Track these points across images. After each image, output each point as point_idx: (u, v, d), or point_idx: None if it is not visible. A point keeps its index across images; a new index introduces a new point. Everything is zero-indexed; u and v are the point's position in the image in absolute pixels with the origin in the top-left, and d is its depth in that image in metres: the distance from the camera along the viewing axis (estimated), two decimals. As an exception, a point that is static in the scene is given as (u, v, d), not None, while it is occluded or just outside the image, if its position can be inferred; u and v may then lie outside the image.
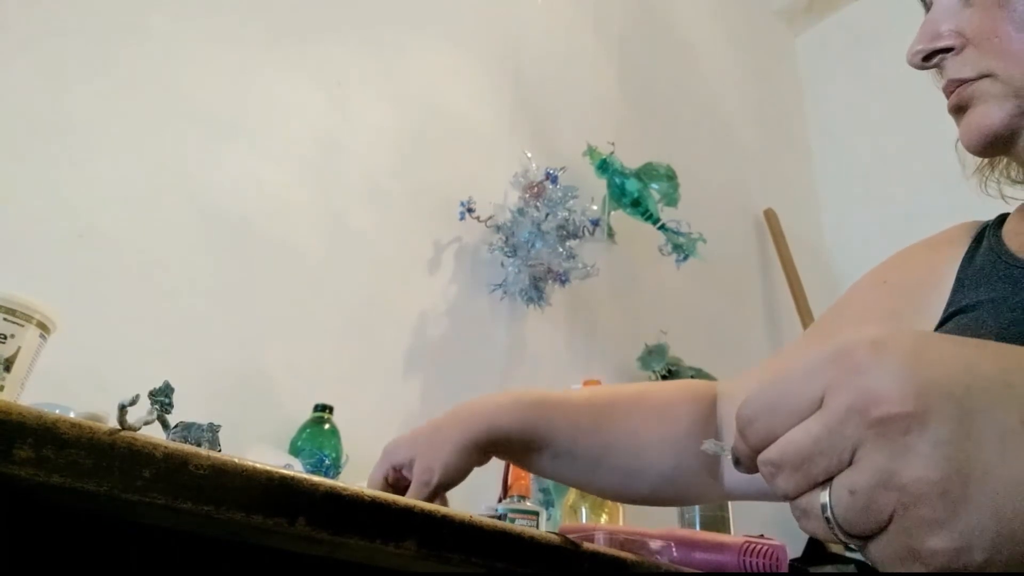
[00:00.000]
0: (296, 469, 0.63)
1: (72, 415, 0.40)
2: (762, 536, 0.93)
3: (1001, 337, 0.45)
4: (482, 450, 0.67)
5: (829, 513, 0.28)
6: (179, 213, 1.21)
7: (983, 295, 0.52)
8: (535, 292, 1.54)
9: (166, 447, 0.37)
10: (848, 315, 0.65)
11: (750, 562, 0.89)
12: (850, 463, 0.28)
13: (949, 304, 0.56)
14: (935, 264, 0.60)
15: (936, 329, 0.55)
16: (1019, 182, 0.61)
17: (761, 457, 0.31)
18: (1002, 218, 0.60)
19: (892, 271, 0.64)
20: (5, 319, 0.70)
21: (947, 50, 0.55)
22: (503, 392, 0.73)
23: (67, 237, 1.09)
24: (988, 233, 0.58)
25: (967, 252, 0.58)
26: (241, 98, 1.34)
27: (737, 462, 0.34)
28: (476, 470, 0.71)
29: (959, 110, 0.56)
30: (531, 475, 1.33)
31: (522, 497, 1.16)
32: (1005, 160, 0.61)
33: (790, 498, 0.30)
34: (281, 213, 1.32)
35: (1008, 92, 0.52)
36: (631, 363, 1.73)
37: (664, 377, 1.67)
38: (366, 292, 1.39)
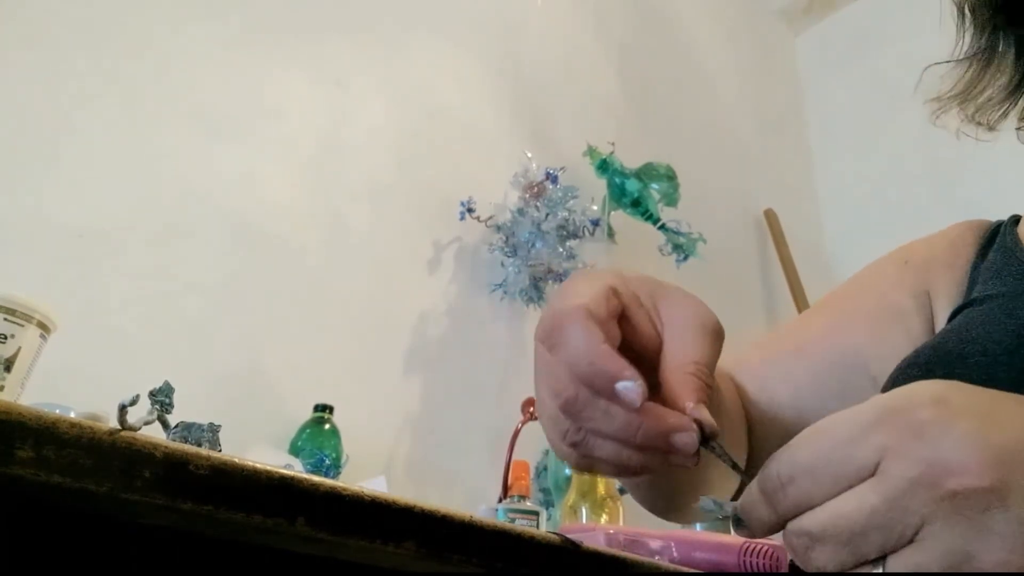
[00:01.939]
0: (296, 469, 0.63)
1: (72, 415, 0.41)
2: (762, 536, 0.93)
3: (1016, 335, 0.43)
4: None
5: None
6: (179, 213, 1.21)
7: (992, 289, 0.50)
8: (535, 292, 1.54)
9: (166, 447, 0.37)
10: (870, 293, 0.59)
11: (750, 562, 0.89)
12: (911, 540, 0.25)
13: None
14: (954, 251, 0.57)
15: (947, 323, 0.53)
16: (983, 125, 0.58)
17: (794, 526, 0.27)
18: (1017, 218, 0.59)
19: (912, 253, 0.60)
20: (5, 319, 0.70)
21: None
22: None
23: (67, 237, 1.09)
24: (1004, 231, 0.56)
25: (979, 248, 0.57)
26: (241, 98, 1.34)
27: (738, 523, 0.30)
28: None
29: None
30: (531, 475, 1.33)
31: (522, 497, 1.16)
32: (984, 98, 0.57)
33: (827, 572, 0.27)
34: (281, 213, 1.32)
35: None
36: (631, 363, 1.73)
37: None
38: (366, 292, 1.39)
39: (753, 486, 0.29)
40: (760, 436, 0.55)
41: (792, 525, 0.28)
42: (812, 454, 0.27)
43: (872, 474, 0.26)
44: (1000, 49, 0.56)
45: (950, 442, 0.25)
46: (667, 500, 0.51)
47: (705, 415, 0.33)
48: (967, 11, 0.57)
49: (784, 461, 0.28)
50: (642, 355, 0.37)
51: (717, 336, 0.37)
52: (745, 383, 0.57)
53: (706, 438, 0.32)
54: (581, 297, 0.35)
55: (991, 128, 0.59)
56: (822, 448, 0.27)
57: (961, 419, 0.25)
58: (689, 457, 0.32)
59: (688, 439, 0.32)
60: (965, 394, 0.26)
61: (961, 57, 0.57)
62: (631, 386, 0.32)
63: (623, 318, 0.37)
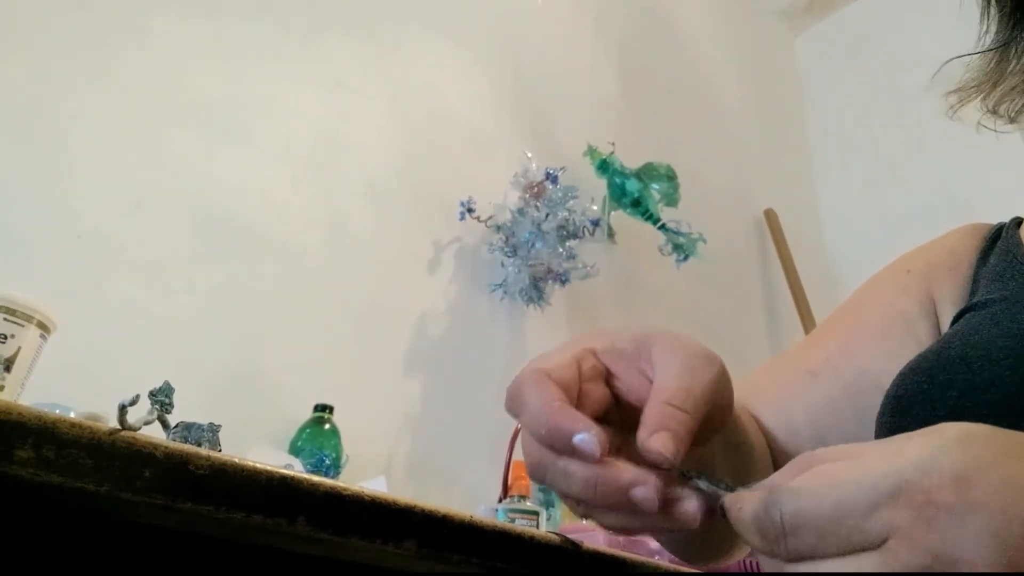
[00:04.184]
0: (296, 469, 0.63)
1: (72, 415, 0.41)
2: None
3: (1020, 337, 0.42)
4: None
5: None
6: (179, 213, 1.21)
7: (994, 293, 0.50)
8: (535, 292, 1.54)
9: (166, 447, 0.37)
10: (876, 306, 0.59)
11: (751, 561, 0.89)
12: None
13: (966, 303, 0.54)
14: (955, 256, 0.57)
15: (949, 328, 0.52)
16: (1004, 117, 0.57)
17: (791, 568, 0.27)
18: (1018, 220, 0.58)
19: (914, 261, 0.60)
20: (5, 319, 0.70)
21: None
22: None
23: (67, 237, 1.09)
24: (1005, 233, 0.56)
25: (981, 252, 0.56)
26: (241, 98, 1.34)
27: (722, 512, 0.30)
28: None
29: None
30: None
31: (522, 497, 1.16)
32: (1006, 86, 0.56)
33: None
34: (281, 213, 1.32)
35: None
36: (631, 363, 1.73)
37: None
38: (366, 292, 1.39)
39: (747, 517, 0.29)
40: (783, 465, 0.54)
41: (789, 567, 0.27)
42: (821, 514, 0.26)
43: (878, 546, 0.25)
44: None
45: (961, 538, 0.24)
46: (702, 552, 0.51)
47: (656, 444, 0.31)
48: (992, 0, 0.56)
49: (789, 511, 0.27)
50: (639, 408, 0.36)
51: (706, 363, 0.35)
52: (762, 414, 0.56)
53: (684, 472, 0.31)
54: (546, 362, 0.35)
55: (1012, 120, 0.57)
56: (832, 511, 0.26)
57: (978, 512, 0.24)
58: (657, 513, 0.31)
59: (646, 493, 0.30)
60: (989, 471, 0.25)
61: (986, 48, 0.56)
62: (586, 438, 0.31)
63: (612, 377, 0.37)
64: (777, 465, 0.54)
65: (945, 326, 0.54)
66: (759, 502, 0.28)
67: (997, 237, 0.56)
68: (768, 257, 2.29)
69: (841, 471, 0.27)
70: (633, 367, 0.36)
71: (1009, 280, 0.50)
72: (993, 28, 0.56)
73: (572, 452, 0.31)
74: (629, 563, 0.61)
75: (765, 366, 0.63)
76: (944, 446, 0.26)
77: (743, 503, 0.29)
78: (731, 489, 0.31)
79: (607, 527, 0.33)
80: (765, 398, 0.57)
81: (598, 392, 0.36)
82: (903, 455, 0.27)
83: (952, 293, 0.55)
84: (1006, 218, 0.59)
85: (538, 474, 0.33)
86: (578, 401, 0.35)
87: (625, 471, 0.31)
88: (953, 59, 0.58)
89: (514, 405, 0.34)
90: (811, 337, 0.63)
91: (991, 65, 0.57)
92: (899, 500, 0.25)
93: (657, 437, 0.31)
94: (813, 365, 0.58)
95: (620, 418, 0.37)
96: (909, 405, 0.44)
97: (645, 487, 0.31)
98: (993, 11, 0.56)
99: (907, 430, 0.44)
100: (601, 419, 0.35)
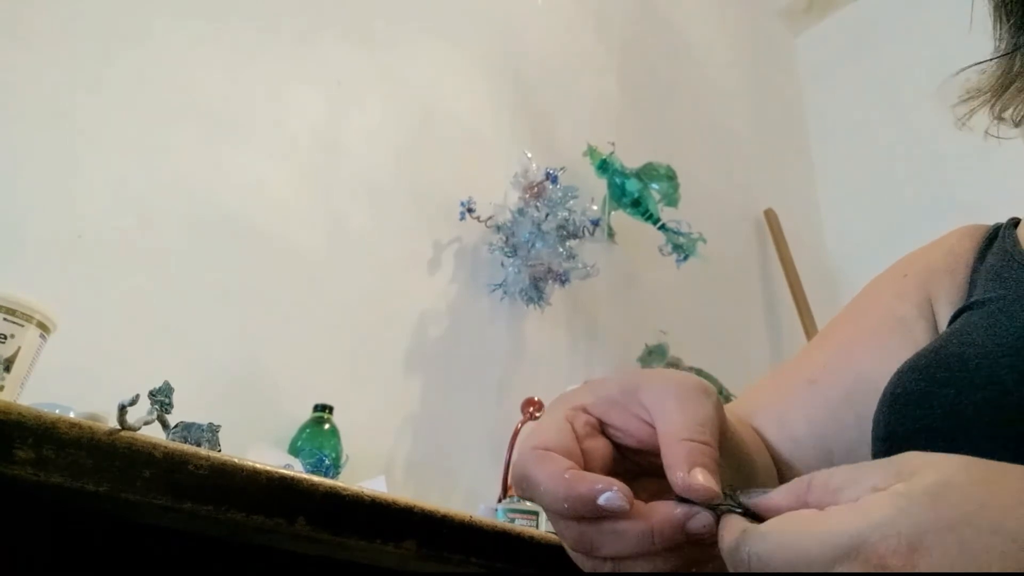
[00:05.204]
0: (296, 469, 0.63)
1: (72, 415, 0.41)
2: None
3: (1018, 336, 0.42)
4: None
5: None
6: (179, 213, 1.21)
7: (992, 292, 0.50)
8: (535, 292, 1.54)
9: (166, 447, 0.37)
10: (873, 311, 0.59)
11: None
12: None
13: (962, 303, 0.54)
14: (953, 257, 0.57)
15: (946, 327, 0.52)
16: (1008, 121, 0.57)
17: None
18: (1016, 221, 0.58)
19: (911, 265, 0.60)
20: (5, 319, 0.70)
21: None
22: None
23: (67, 237, 1.09)
24: (1003, 234, 0.56)
25: (978, 253, 0.56)
26: (241, 98, 1.34)
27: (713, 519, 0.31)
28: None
29: None
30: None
31: (522, 497, 1.16)
32: (1013, 90, 0.56)
33: None
34: (281, 213, 1.32)
35: None
36: (631, 363, 1.73)
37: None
38: (366, 292, 1.39)
39: (725, 547, 0.30)
40: (788, 478, 0.55)
41: None
42: (783, 562, 0.28)
43: None
44: None
45: None
46: None
47: (696, 480, 0.32)
48: (1003, 9, 0.56)
49: (755, 553, 0.28)
50: (643, 451, 0.36)
51: (703, 394, 0.36)
52: (764, 426, 0.57)
53: (720, 500, 0.32)
54: (538, 436, 0.35)
55: (1017, 124, 0.58)
56: (795, 561, 0.27)
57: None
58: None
59: (703, 520, 0.31)
60: (948, 534, 0.26)
61: (993, 57, 0.57)
62: (611, 495, 0.31)
63: (607, 427, 0.37)
64: (782, 479, 0.54)
65: (943, 327, 0.54)
66: (734, 539, 0.29)
67: (994, 238, 0.56)
68: (768, 257, 2.29)
69: (811, 522, 0.28)
70: (627, 412, 0.36)
71: (1007, 279, 0.50)
72: (1006, 37, 0.56)
73: (601, 514, 0.31)
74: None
75: (766, 377, 0.63)
76: (910, 503, 0.27)
77: (725, 532, 0.30)
78: (730, 496, 0.32)
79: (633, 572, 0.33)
80: (766, 410, 0.57)
81: (600, 446, 0.36)
82: (871, 513, 0.27)
83: (950, 294, 0.55)
84: (1006, 219, 0.59)
85: (583, 547, 0.32)
86: (584, 461, 0.35)
87: (673, 509, 0.32)
88: (962, 71, 0.58)
89: (525, 490, 0.34)
90: (810, 345, 0.63)
91: (999, 72, 0.57)
92: (856, 560, 0.26)
93: (697, 473, 0.32)
94: (812, 373, 0.58)
95: (624, 466, 0.37)
96: (906, 403, 0.44)
97: (700, 516, 0.32)
98: (1004, 20, 0.56)
99: (904, 428, 0.44)
100: (610, 471, 0.36)
